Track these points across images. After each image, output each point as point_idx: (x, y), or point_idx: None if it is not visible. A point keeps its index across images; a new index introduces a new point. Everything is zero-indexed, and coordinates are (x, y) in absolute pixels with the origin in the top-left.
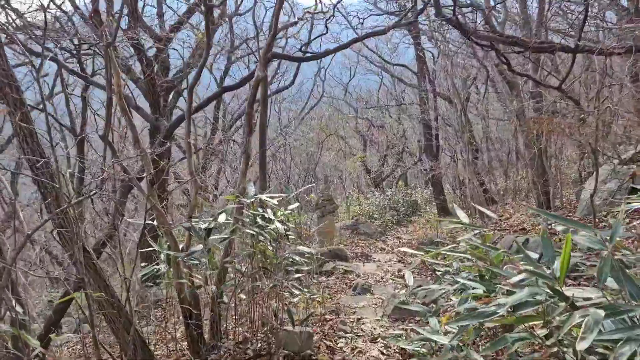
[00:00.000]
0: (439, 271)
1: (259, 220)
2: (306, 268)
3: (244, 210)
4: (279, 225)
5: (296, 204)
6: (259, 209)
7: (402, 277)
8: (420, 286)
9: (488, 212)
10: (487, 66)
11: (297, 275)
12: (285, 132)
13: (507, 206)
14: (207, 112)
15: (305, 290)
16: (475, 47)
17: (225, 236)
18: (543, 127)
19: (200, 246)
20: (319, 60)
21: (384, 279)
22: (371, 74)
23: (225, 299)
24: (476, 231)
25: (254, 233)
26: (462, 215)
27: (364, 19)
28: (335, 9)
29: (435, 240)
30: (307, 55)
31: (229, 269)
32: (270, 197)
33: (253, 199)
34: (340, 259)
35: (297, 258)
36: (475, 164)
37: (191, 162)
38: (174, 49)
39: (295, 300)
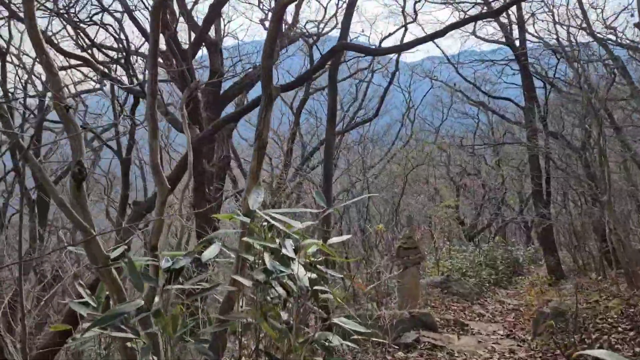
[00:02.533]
0: None
1: (267, 259)
2: None
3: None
4: (301, 272)
5: (347, 236)
6: (276, 240)
7: None
8: None
9: None
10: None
11: None
12: (367, 171)
13: None
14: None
15: None
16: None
17: (205, 285)
18: None
19: (136, 303)
20: (407, 99)
21: None
22: (465, 118)
23: None
24: None
25: (258, 284)
26: None
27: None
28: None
29: (564, 310)
30: (380, 48)
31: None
32: (284, 214)
33: (257, 219)
34: (426, 327)
35: (337, 341)
36: (614, 211)
37: (155, 148)
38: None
39: None
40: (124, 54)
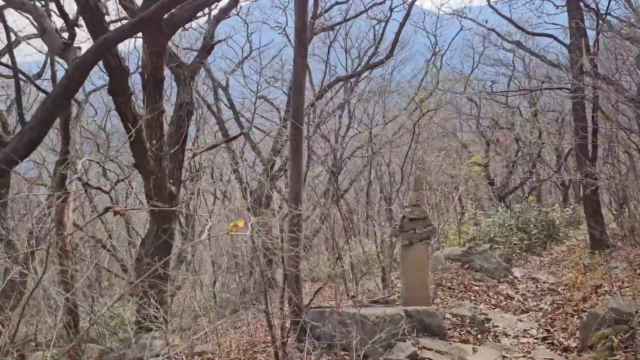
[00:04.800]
0: None
1: None
2: None
3: None
4: None
5: None
6: None
7: None
8: None
9: None
10: None
11: None
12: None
13: None
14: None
15: None
16: None
17: None
18: None
19: None
20: (433, 45)
21: None
22: (498, 66)
23: None
24: None
25: None
26: None
27: None
28: None
29: (628, 315)
30: None
31: None
32: None
33: None
34: (428, 331)
35: None
36: None
37: None
38: None
39: None
40: None
